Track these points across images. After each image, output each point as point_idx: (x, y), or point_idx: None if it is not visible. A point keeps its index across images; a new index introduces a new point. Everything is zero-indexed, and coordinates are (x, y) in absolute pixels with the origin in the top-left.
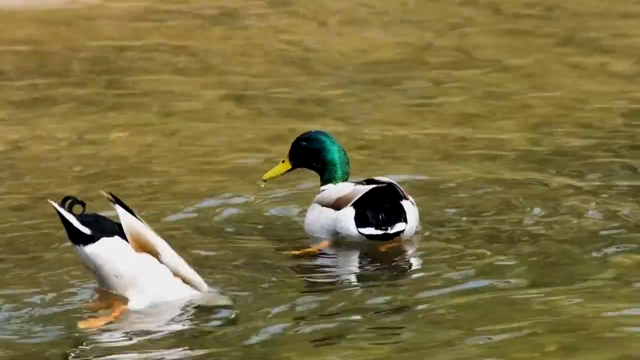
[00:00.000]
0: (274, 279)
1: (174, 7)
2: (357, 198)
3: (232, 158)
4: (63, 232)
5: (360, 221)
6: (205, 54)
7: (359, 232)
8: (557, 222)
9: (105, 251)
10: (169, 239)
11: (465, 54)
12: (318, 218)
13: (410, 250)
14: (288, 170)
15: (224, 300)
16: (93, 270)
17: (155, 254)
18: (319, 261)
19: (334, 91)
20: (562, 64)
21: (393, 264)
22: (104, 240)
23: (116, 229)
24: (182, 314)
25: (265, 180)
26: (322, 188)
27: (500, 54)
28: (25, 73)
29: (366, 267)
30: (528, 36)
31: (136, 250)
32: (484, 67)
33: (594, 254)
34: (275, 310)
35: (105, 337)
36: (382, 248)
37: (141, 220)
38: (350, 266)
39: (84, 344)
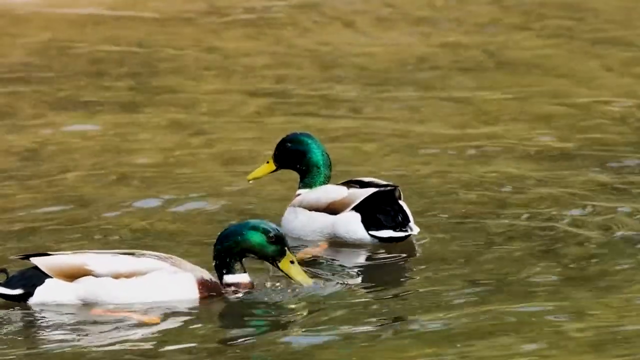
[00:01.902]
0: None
1: (201, 7)
2: (358, 201)
3: (260, 157)
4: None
5: (371, 224)
6: (232, 55)
7: (370, 235)
8: (588, 222)
9: (44, 297)
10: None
11: (492, 54)
12: (309, 223)
13: (413, 253)
14: (272, 171)
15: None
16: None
17: (87, 273)
18: (314, 266)
19: (360, 91)
20: (591, 63)
21: (400, 266)
22: (38, 290)
23: (45, 275)
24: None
25: (250, 180)
26: (298, 192)
27: (527, 54)
28: (52, 74)
29: (369, 270)
30: (556, 35)
31: (70, 281)
32: (511, 66)
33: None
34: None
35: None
36: (380, 250)
37: (60, 254)
38: (352, 268)
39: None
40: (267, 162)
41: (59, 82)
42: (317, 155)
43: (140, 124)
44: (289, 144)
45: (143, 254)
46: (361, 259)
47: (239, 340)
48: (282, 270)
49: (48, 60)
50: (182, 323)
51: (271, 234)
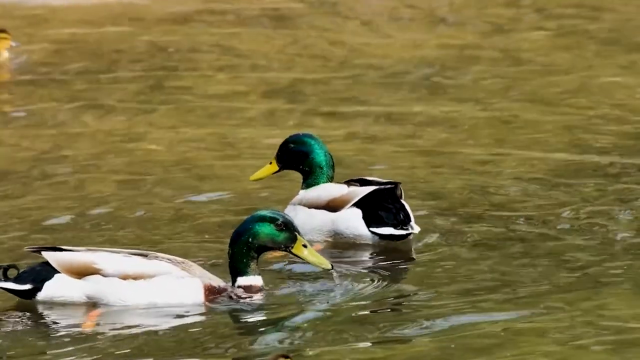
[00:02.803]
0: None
1: (219, 7)
2: (358, 198)
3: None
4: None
5: (372, 221)
6: (249, 55)
7: (371, 231)
8: (590, 228)
9: (52, 292)
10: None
11: (509, 54)
12: (309, 220)
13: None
14: (275, 172)
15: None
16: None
17: (95, 271)
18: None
19: (378, 91)
20: (607, 64)
21: (406, 264)
22: (47, 285)
23: (55, 270)
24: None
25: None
26: (300, 191)
27: (544, 54)
28: (71, 71)
29: (373, 267)
30: (573, 36)
31: (78, 278)
32: (528, 67)
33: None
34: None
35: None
36: (379, 248)
37: (72, 250)
38: (355, 266)
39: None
40: (270, 163)
41: (75, 80)
42: (320, 156)
43: (155, 123)
44: (292, 145)
45: (156, 256)
46: (360, 257)
47: (240, 348)
48: (297, 256)
49: (66, 59)
50: (183, 329)
51: (279, 222)
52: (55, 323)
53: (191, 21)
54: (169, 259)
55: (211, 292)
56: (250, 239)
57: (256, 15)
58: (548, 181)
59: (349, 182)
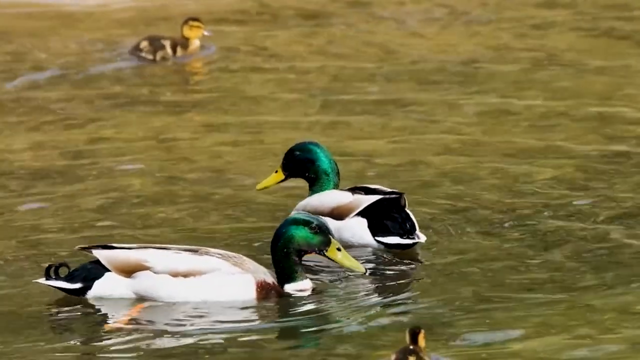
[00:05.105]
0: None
1: (252, 7)
2: (363, 207)
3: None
4: None
5: (378, 230)
6: (284, 55)
7: (377, 240)
8: (611, 231)
9: (102, 290)
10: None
11: (544, 55)
12: None
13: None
14: (281, 180)
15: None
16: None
17: (145, 269)
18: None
19: (412, 92)
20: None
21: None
22: (97, 284)
23: (105, 268)
24: (188, 312)
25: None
26: (306, 198)
27: (579, 55)
28: (102, 73)
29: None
30: (608, 36)
31: (126, 276)
32: (564, 67)
33: None
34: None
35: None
36: (384, 257)
37: (124, 247)
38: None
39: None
40: (276, 172)
41: (109, 81)
42: (325, 163)
43: (190, 125)
44: (298, 153)
45: (207, 252)
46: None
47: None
48: (331, 259)
49: (98, 60)
50: (230, 329)
51: (313, 224)
52: (103, 319)
53: (225, 20)
54: (220, 254)
55: (263, 289)
56: (286, 243)
57: (291, 14)
58: (578, 182)
59: (353, 190)
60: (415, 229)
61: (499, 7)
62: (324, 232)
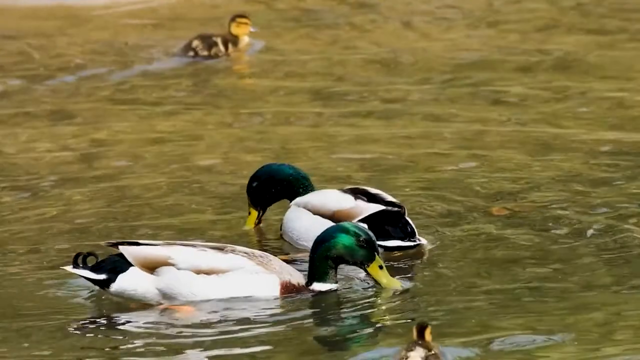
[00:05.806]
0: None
1: (259, 7)
2: (364, 216)
3: (318, 158)
4: None
5: (379, 235)
6: (290, 55)
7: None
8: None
9: (125, 285)
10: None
11: (550, 55)
12: (313, 227)
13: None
14: (260, 215)
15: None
16: (134, 300)
17: (168, 265)
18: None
19: (419, 92)
20: None
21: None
22: (120, 277)
23: (130, 263)
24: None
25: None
26: (306, 195)
27: (586, 55)
28: (116, 72)
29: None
30: (614, 37)
31: (150, 272)
32: (570, 68)
33: None
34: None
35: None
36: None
37: (148, 244)
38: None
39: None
40: (249, 213)
41: (117, 82)
42: (283, 170)
43: (199, 124)
44: (255, 183)
45: (232, 250)
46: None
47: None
48: (370, 275)
49: (106, 61)
50: (251, 329)
51: (361, 238)
52: (129, 315)
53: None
54: (245, 252)
55: (288, 290)
56: (330, 247)
57: (296, 14)
58: (584, 188)
59: (354, 193)
60: (415, 234)
61: (504, 7)
62: (370, 247)
